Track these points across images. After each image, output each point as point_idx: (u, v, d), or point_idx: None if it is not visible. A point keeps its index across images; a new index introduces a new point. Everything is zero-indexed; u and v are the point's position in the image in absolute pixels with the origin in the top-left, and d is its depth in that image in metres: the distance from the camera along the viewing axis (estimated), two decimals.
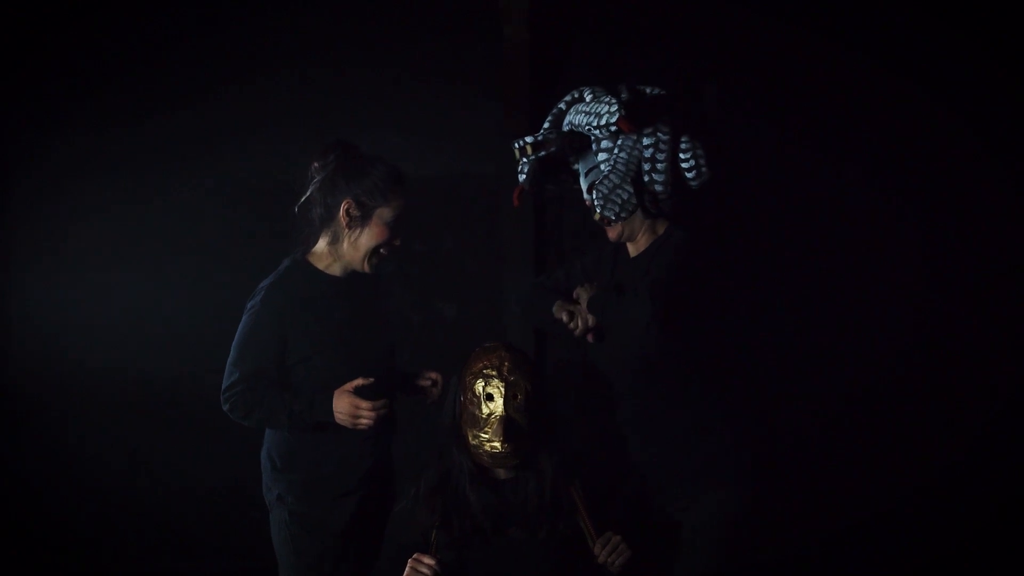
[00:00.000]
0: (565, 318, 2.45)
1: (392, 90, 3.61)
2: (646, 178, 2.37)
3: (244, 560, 3.63)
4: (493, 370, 2.21)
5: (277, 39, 3.63)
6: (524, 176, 2.49)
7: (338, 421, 2.35)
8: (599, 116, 2.31)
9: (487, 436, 2.18)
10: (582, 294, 2.47)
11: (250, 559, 3.57)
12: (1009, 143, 3.44)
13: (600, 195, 2.35)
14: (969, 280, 3.50)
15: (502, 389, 2.19)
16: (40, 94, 3.72)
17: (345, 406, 2.33)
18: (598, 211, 2.36)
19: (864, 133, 3.54)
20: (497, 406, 2.19)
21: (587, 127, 2.36)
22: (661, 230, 2.48)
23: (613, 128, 2.30)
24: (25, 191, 3.72)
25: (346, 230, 2.41)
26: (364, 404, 2.32)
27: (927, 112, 3.49)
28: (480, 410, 2.19)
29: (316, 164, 2.44)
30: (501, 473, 2.25)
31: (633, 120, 2.28)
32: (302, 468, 2.44)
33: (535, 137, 2.43)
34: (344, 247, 2.44)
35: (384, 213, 2.41)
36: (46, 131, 3.71)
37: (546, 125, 2.50)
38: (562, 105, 2.50)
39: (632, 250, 2.53)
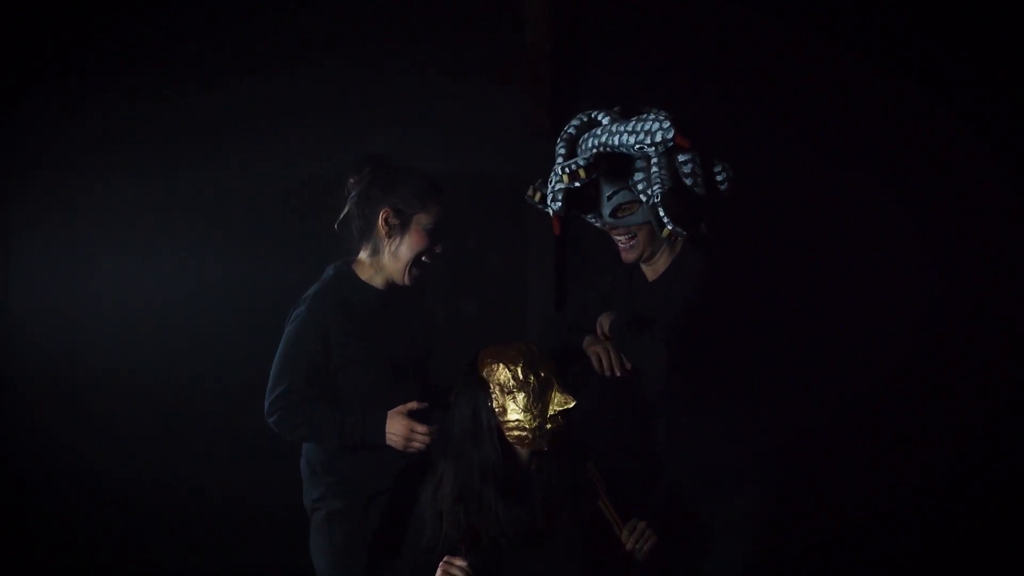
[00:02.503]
0: (594, 361, 2.42)
1: (415, 88, 3.60)
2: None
3: (246, 561, 3.62)
4: (531, 355, 2.17)
5: (299, 36, 3.61)
6: (559, 203, 2.37)
7: (389, 442, 2.34)
8: (651, 134, 2.24)
9: (550, 412, 2.12)
10: (604, 321, 2.46)
11: (252, 560, 3.61)
12: (1009, 143, 3.46)
13: (672, 212, 2.26)
14: (982, 285, 3.50)
15: (550, 367, 2.17)
16: (42, 92, 3.66)
17: (400, 428, 2.33)
18: (669, 227, 2.27)
19: (870, 140, 3.54)
20: (550, 382, 2.14)
21: (637, 146, 2.27)
22: (678, 248, 2.46)
23: (671, 144, 2.22)
24: (26, 189, 3.68)
25: (386, 240, 2.43)
26: (421, 428, 2.32)
27: (927, 115, 3.49)
28: (527, 391, 2.13)
29: (352, 179, 2.46)
30: (524, 454, 2.19)
31: (687, 134, 2.22)
32: (340, 470, 2.44)
33: (587, 160, 2.32)
34: (385, 258, 2.45)
35: (422, 219, 2.42)
36: (49, 130, 3.67)
37: (562, 151, 2.42)
38: (571, 130, 2.42)
39: (650, 273, 2.51)
